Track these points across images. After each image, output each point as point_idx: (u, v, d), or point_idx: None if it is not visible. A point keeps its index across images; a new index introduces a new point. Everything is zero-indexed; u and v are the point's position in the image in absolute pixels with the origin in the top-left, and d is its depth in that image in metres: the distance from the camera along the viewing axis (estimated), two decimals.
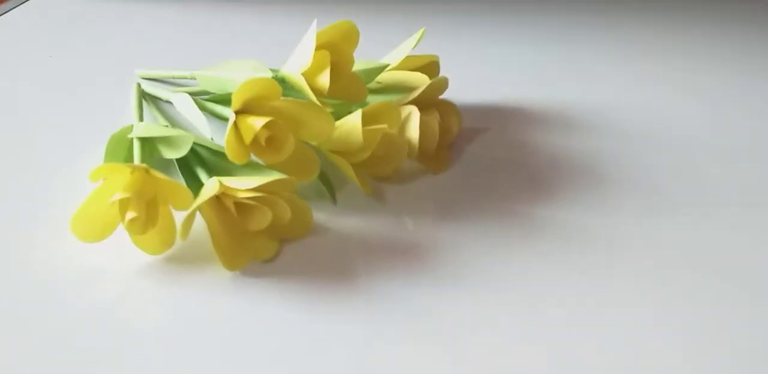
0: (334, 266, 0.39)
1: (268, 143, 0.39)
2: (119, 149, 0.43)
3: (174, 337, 0.35)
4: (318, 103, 0.41)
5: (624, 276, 0.38)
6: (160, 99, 0.49)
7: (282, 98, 0.40)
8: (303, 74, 0.42)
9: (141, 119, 0.46)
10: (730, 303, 0.37)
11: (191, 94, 0.48)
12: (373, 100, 0.46)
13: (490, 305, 0.37)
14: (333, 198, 0.42)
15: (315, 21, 0.41)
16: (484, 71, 0.55)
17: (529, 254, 0.39)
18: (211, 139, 0.41)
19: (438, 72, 0.49)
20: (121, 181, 0.37)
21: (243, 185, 0.37)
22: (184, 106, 0.45)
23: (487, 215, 0.42)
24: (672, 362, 0.34)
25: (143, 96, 0.49)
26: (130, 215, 0.36)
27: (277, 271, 0.38)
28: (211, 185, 0.37)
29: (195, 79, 0.48)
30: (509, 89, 0.52)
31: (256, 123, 0.38)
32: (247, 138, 0.39)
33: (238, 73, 0.44)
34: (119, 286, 0.37)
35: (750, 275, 0.38)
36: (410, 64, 0.47)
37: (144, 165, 0.37)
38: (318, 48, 0.41)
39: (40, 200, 0.42)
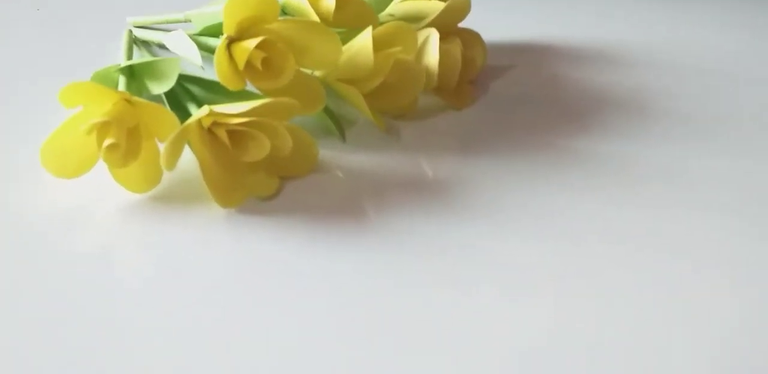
0: (341, 204, 0.34)
1: (264, 67, 0.35)
2: (103, 73, 0.38)
3: (165, 282, 0.31)
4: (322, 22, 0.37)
5: (664, 207, 0.34)
6: (153, 46, 0.45)
7: (281, 18, 0.36)
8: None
9: (130, 57, 0.42)
10: None
11: None
12: None
13: (518, 241, 0.32)
14: (341, 135, 0.37)
15: None
16: (514, 7, 0.50)
17: (561, 188, 0.35)
18: (202, 68, 0.36)
19: (468, 11, 0.44)
20: (99, 110, 0.33)
21: (236, 109, 0.32)
22: (175, 41, 0.40)
23: (514, 149, 0.37)
24: (728, 296, 0.30)
25: (135, 42, 0.45)
26: (108, 141, 0.31)
27: (277, 209, 0.33)
28: (200, 111, 0.33)
29: (190, 21, 0.44)
30: (540, 27, 0.47)
31: (249, 43, 0.34)
32: (241, 62, 0.34)
33: None
34: (102, 228, 0.33)
35: None
36: None
37: (125, 92, 0.33)
38: None
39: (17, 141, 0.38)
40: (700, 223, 0.33)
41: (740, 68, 0.44)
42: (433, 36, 0.38)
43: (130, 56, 0.42)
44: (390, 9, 0.42)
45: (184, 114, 0.36)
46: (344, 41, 0.38)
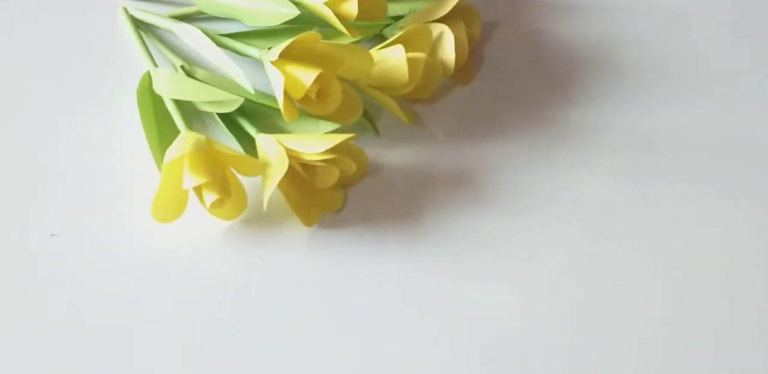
0: (394, 205, 0.42)
1: (317, 96, 0.40)
2: (147, 102, 0.43)
3: (264, 297, 0.39)
4: (347, 32, 0.41)
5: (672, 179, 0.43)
6: (158, 29, 0.47)
7: (320, 40, 0.40)
8: (327, 3, 0.41)
9: (153, 61, 0.44)
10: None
11: (186, 16, 0.47)
12: (390, 9, 0.45)
13: (550, 226, 0.41)
14: (376, 131, 0.44)
15: None
16: None
17: (569, 166, 0.43)
18: (254, 92, 0.41)
19: None
20: (182, 161, 0.38)
21: (310, 148, 0.39)
22: (198, 44, 0.44)
23: (521, 125, 0.45)
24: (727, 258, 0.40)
25: (138, 25, 0.47)
26: (210, 197, 0.38)
27: (348, 219, 0.41)
28: (276, 152, 0.39)
29: None
30: None
31: (305, 78, 0.39)
32: (297, 94, 0.39)
33: (252, 3, 0.43)
34: (200, 252, 0.40)
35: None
36: None
37: (206, 141, 0.38)
38: None
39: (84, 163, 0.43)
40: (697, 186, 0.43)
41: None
42: (447, 34, 0.43)
43: (147, 51, 0.45)
44: None
45: (237, 129, 0.42)
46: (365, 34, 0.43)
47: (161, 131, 0.41)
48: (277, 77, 0.39)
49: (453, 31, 0.44)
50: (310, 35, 0.39)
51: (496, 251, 0.41)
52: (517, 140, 0.44)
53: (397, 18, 0.46)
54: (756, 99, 0.46)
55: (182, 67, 0.44)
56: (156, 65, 0.44)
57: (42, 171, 0.43)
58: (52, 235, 0.40)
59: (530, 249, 0.41)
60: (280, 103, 0.39)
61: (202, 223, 0.40)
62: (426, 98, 0.44)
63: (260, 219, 0.41)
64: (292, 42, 0.39)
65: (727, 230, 0.42)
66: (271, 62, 0.39)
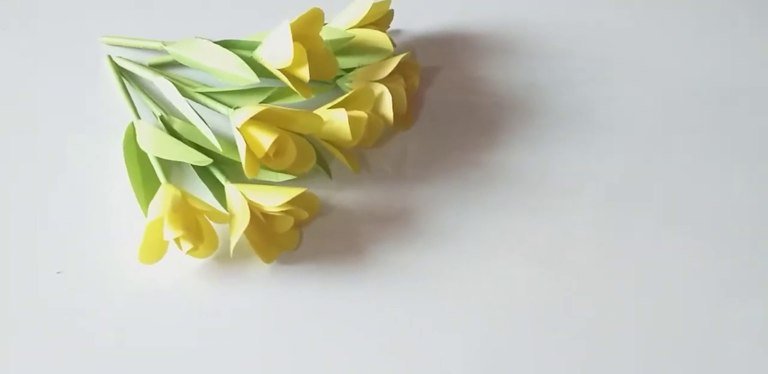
0: (345, 242, 0.50)
1: (274, 155, 0.48)
2: (132, 151, 0.50)
3: (230, 322, 0.48)
4: (301, 94, 0.49)
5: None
6: (141, 78, 0.54)
7: (274, 105, 0.47)
8: (282, 70, 0.49)
9: (136, 113, 0.51)
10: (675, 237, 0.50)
11: (166, 64, 0.54)
12: (341, 62, 0.52)
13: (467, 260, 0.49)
14: (328, 174, 0.52)
15: (286, 21, 0.47)
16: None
17: (495, 206, 0.51)
18: (222, 150, 0.48)
19: (392, 18, 0.55)
20: (163, 214, 0.46)
21: (269, 202, 0.47)
22: (173, 99, 0.51)
23: (456, 167, 0.52)
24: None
25: (121, 73, 0.54)
26: (186, 246, 0.46)
27: (303, 256, 0.50)
28: (240, 206, 0.47)
29: (165, 51, 0.53)
30: (455, 14, 0.59)
31: (264, 142, 0.47)
32: (258, 154, 0.47)
33: (219, 64, 0.50)
34: (179, 285, 0.49)
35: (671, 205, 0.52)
36: (366, 17, 0.53)
37: (181, 199, 0.46)
38: (292, 40, 0.48)
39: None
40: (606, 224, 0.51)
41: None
42: (386, 94, 0.51)
43: (130, 101, 0.52)
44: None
45: (208, 175, 0.50)
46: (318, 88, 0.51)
47: (145, 178, 0.49)
48: (240, 142, 0.47)
49: (393, 88, 0.51)
50: (267, 111, 0.46)
51: (438, 284, 0.49)
52: (451, 181, 0.52)
53: (348, 70, 0.53)
54: (661, 147, 0.54)
55: (161, 117, 0.51)
56: (138, 116, 0.51)
57: (41, 217, 0.51)
58: (58, 273, 0.49)
59: (470, 282, 0.49)
60: (243, 163, 0.47)
61: (180, 262, 0.48)
62: (370, 146, 0.52)
63: (229, 257, 0.49)
64: (253, 114, 0.46)
65: (637, 261, 0.50)
66: (237, 128, 0.47)
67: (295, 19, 0.48)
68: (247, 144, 0.47)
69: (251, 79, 0.49)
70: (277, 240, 0.49)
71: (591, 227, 0.51)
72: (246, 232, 0.48)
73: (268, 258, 0.49)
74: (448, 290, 0.49)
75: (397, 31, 0.57)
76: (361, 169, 0.52)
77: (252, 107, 0.47)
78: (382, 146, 0.53)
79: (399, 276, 0.49)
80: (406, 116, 0.54)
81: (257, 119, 0.47)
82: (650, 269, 0.49)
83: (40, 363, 0.46)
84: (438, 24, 0.59)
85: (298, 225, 0.50)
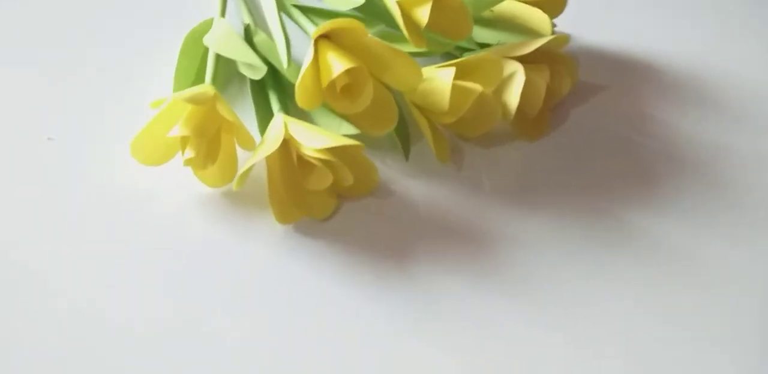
0: (386, 236, 0.39)
1: (343, 91, 0.38)
2: (194, 51, 0.42)
3: (214, 283, 0.37)
4: (410, 39, 0.39)
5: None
6: None
7: (371, 35, 0.38)
8: (399, 2, 0.39)
9: (224, 11, 0.44)
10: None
11: None
12: (478, 34, 0.43)
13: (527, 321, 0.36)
14: (406, 154, 0.41)
15: None
16: (626, 6, 0.50)
17: (591, 269, 0.37)
18: (286, 68, 0.39)
19: (564, 7, 0.44)
20: (184, 109, 0.37)
21: (308, 142, 0.36)
22: (267, 6, 0.42)
23: (568, 207, 0.40)
24: None
25: None
26: (189, 153, 0.36)
27: (329, 232, 0.39)
28: (275, 133, 0.37)
29: None
30: (655, 39, 0.47)
31: (335, 67, 0.37)
32: (323, 80, 0.37)
33: None
34: (168, 215, 0.39)
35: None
36: None
37: (211, 97, 0.37)
38: None
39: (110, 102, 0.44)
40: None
41: None
42: (519, 75, 0.39)
43: (223, 9, 0.44)
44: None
45: (264, 100, 0.41)
46: (436, 50, 0.41)
47: (190, 78, 0.41)
48: (308, 56, 0.37)
49: (530, 76, 0.40)
50: (355, 24, 0.37)
51: (466, 326, 0.36)
52: (556, 222, 0.39)
53: (484, 46, 0.43)
54: None
55: (247, 25, 0.43)
56: (224, 16, 0.43)
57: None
58: (49, 139, 0.41)
59: (502, 340, 0.36)
60: (297, 84, 0.37)
61: (185, 183, 0.39)
62: (474, 137, 0.41)
63: (245, 200, 0.39)
64: (338, 26, 0.37)
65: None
66: (313, 39, 0.38)
67: None
68: (312, 63, 0.37)
69: (357, 0, 0.40)
70: (304, 199, 0.38)
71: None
72: (271, 173, 0.37)
73: (283, 217, 0.38)
74: (480, 342, 0.35)
75: (559, 33, 0.44)
76: (451, 163, 0.41)
77: (340, 19, 0.37)
78: (488, 146, 0.42)
79: (421, 295, 0.37)
80: (535, 122, 0.42)
81: (343, 44, 0.38)
82: None
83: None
84: (620, 42, 0.47)
85: (340, 192, 0.39)
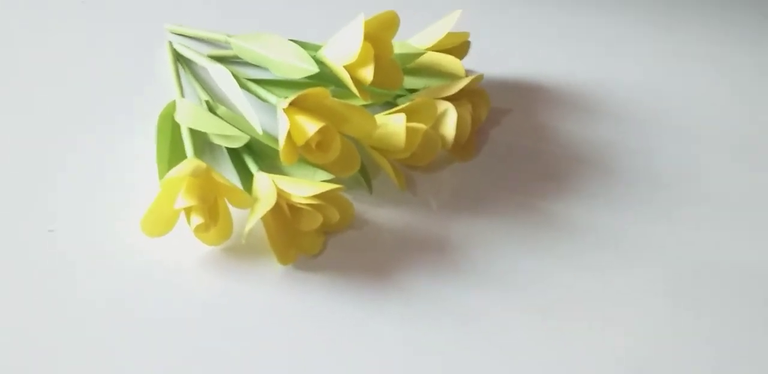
0: (370, 260, 0.46)
1: (317, 146, 0.45)
2: (166, 127, 0.48)
3: (227, 324, 0.44)
4: (359, 95, 0.47)
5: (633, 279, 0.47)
6: (196, 65, 0.54)
7: (330, 97, 0.46)
8: (346, 67, 0.47)
9: (182, 92, 0.50)
10: (737, 305, 0.46)
11: (224, 58, 0.53)
12: (407, 82, 0.51)
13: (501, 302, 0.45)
14: (369, 188, 0.49)
15: (362, 14, 0.46)
16: (514, 41, 0.60)
17: (541, 255, 0.47)
18: (261, 133, 0.46)
19: (468, 50, 0.54)
20: (181, 183, 0.43)
21: (298, 192, 0.44)
22: (225, 84, 0.50)
23: (506, 209, 0.49)
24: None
25: (178, 59, 0.53)
26: (196, 220, 0.43)
27: (322, 265, 0.46)
28: (267, 190, 0.44)
29: (228, 43, 0.53)
30: (545, 64, 0.58)
31: (309, 128, 0.44)
32: (299, 140, 0.45)
33: (280, 55, 0.49)
34: (178, 275, 0.45)
35: (751, 276, 0.47)
36: (442, 43, 0.52)
37: (205, 169, 0.43)
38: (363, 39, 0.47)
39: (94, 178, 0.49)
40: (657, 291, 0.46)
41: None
42: (451, 111, 0.48)
43: (179, 82, 0.51)
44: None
45: (241, 164, 0.47)
46: (377, 100, 0.49)
47: (171, 155, 0.47)
48: (284, 122, 0.44)
49: (458, 111, 0.49)
50: (320, 90, 0.44)
51: (456, 321, 0.44)
52: (500, 222, 0.49)
53: (412, 91, 0.51)
54: (746, 223, 0.50)
55: (207, 101, 0.50)
56: (183, 96, 0.50)
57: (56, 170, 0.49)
58: (50, 231, 0.46)
59: (495, 327, 0.44)
60: (281, 146, 0.44)
61: (187, 244, 0.45)
62: (423, 166, 0.49)
63: (241, 251, 0.46)
64: (304, 94, 0.45)
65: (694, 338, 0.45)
66: (282, 109, 0.45)
67: (369, 18, 0.47)
68: (290, 127, 0.45)
69: (310, 69, 0.47)
70: (298, 241, 0.45)
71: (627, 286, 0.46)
72: (266, 223, 0.44)
73: (284, 259, 0.45)
74: (471, 332, 0.44)
75: (470, 71, 0.55)
76: (407, 189, 0.49)
77: (311, 89, 0.45)
78: (434, 171, 0.51)
79: (418, 307, 0.45)
80: (466, 146, 0.51)
81: (307, 107, 0.45)
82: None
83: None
84: (516, 70, 0.57)
85: (326, 230, 0.46)
